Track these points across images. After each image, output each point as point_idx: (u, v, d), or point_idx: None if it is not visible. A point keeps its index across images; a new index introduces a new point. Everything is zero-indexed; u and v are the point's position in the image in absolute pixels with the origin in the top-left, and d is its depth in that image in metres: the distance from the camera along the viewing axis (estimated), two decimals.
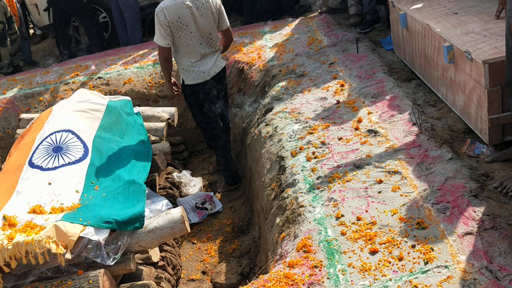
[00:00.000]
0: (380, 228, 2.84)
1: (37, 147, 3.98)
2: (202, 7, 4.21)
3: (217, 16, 4.33)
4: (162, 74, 5.82)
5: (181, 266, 3.94)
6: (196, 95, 4.46)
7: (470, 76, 3.41)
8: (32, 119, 4.90)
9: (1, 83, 6.37)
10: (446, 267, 2.49)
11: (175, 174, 4.87)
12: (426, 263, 2.54)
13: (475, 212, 2.78)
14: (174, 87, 4.53)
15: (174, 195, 4.56)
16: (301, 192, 3.33)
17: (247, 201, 4.57)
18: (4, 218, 3.24)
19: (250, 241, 4.05)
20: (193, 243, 4.32)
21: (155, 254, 3.60)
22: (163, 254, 3.77)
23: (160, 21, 4.12)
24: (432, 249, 2.60)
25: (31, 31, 8.98)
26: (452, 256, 2.54)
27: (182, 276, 3.91)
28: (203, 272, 3.96)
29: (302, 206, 3.19)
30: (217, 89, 4.53)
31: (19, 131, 4.99)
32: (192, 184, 4.89)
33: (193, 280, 3.89)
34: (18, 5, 7.66)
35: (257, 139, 4.41)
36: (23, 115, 5.27)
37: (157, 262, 3.62)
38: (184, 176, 4.90)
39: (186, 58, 4.33)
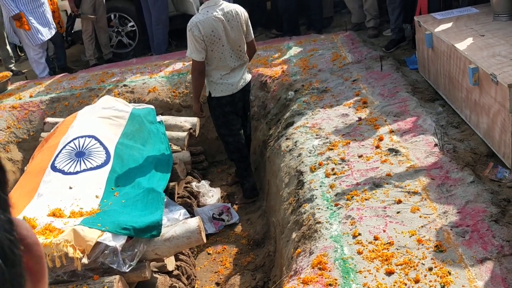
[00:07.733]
0: (397, 249, 2.81)
1: (60, 151, 4.05)
2: (233, 20, 4.25)
3: (245, 28, 4.37)
4: (187, 84, 5.87)
5: (195, 276, 3.95)
6: (222, 108, 4.49)
7: (495, 99, 3.37)
8: (56, 123, 4.98)
9: (28, 86, 6.50)
10: None
11: (194, 184, 4.90)
12: (442, 287, 2.50)
13: (495, 237, 2.73)
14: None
15: (192, 205, 4.58)
16: (319, 208, 3.32)
17: (264, 214, 4.56)
18: (24, 220, 3.29)
19: (265, 255, 4.04)
20: (209, 254, 4.33)
21: (170, 263, 3.62)
22: (178, 263, 3.78)
23: (195, 35, 4.13)
24: (450, 273, 2.57)
25: None
26: (470, 281, 2.50)
27: (196, 287, 3.91)
28: (217, 284, 3.96)
29: (319, 222, 3.18)
30: (242, 102, 4.56)
31: (43, 134, 5.07)
32: (210, 195, 4.91)
33: None
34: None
35: (277, 153, 4.41)
36: (48, 119, 5.36)
37: (172, 271, 3.64)
38: (202, 186, 4.92)
39: (216, 71, 4.35)
